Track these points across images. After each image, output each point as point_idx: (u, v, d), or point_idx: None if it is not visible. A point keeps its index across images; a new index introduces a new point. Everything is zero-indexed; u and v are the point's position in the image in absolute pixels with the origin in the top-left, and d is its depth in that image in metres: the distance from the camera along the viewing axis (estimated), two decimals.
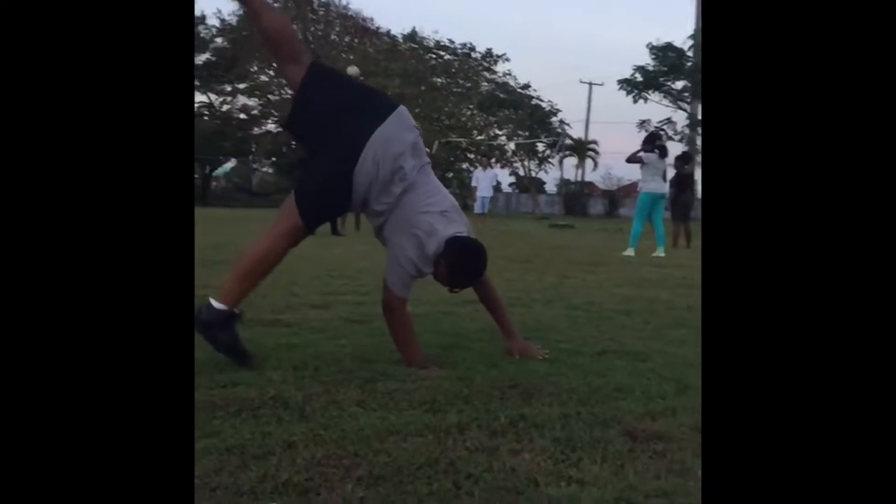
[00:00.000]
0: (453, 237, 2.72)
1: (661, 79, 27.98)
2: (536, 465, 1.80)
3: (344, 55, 32.67)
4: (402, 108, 2.80)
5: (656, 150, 10.12)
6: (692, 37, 27.52)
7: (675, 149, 20.45)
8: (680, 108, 28.35)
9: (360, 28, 35.23)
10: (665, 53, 27.48)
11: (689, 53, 27.22)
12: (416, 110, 35.05)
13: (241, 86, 38.63)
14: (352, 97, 2.81)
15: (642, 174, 10.20)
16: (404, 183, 2.72)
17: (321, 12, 35.76)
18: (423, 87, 35.16)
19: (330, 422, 2.05)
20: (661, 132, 19.52)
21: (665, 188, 10.61)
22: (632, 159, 10.23)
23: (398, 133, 2.72)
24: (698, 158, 27.14)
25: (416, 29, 37.54)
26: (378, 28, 36.37)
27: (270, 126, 39.13)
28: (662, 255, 9.50)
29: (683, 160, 13.48)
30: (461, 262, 2.75)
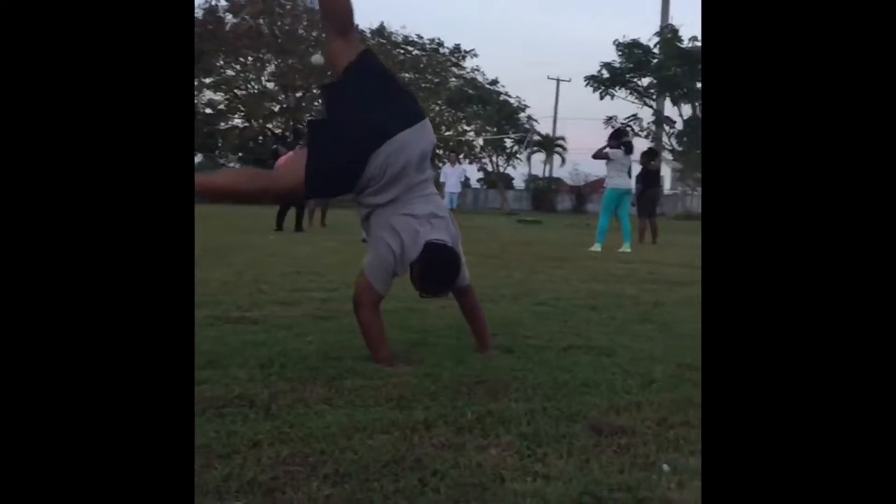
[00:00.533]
0: (431, 242, 2.73)
1: (628, 75, 28.17)
2: (502, 461, 1.81)
3: (311, 50, 32.44)
4: (427, 121, 2.85)
5: (622, 147, 10.20)
6: (658, 34, 27.77)
7: (641, 145, 20.67)
8: (646, 104, 28.60)
9: None
10: (631, 50, 27.68)
11: (655, 50, 27.44)
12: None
13: (207, 80, 38.19)
14: (391, 93, 2.86)
15: (608, 170, 10.29)
16: (401, 188, 2.74)
17: (288, 6, 35.50)
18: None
19: (296, 420, 2.04)
20: (628, 129, 19.68)
21: (631, 184, 10.72)
22: (598, 156, 10.31)
23: (415, 143, 2.76)
24: (664, 154, 27.44)
25: (384, 24, 37.37)
26: None
27: (237, 121, 38.77)
28: (629, 250, 9.59)
29: (649, 156, 13.62)
30: (431, 269, 2.75)
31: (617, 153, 10.09)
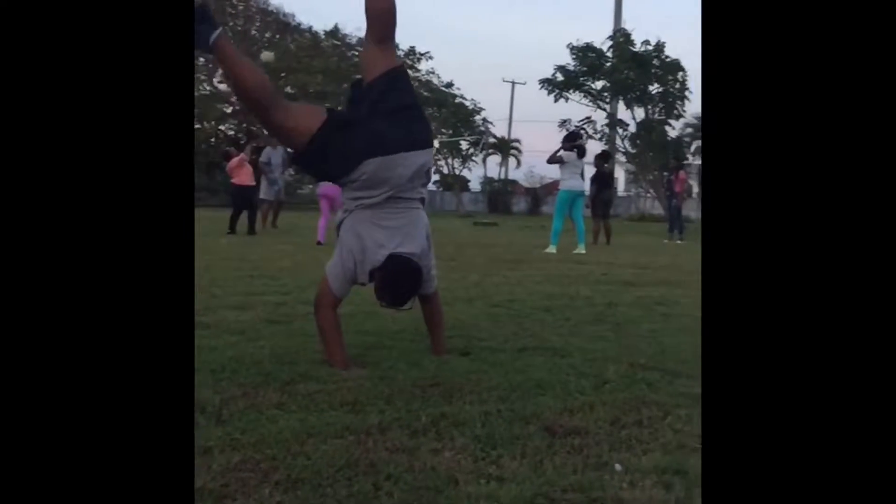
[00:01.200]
0: (395, 255, 2.74)
1: (582, 79, 28.42)
2: (457, 464, 1.80)
3: (267, 52, 32.16)
4: (431, 151, 2.92)
5: (575, 150, 10.29)
6: (611, 38, 28.06)
7: (595, 148, 20.89)
8: (600, 107, 28.86)
9: (281, 24, 34.66)
10: (585, 54, 27.92)
11: (609, 54, 27.75)
12: (339, 107, 34.73)
13: None
14: (406, 114, 2.87)
15: (562, 172, 10.36)
16: (381, 198, 2.78)
17: (241, 7, 35.07)
18: (345, 85, 34.73)
19: (248, 426, 2.02)
20: (581, 131, 19.84)
21: (584, 186, 10.81)
22: (552, 160, 10.39)
23: (412, 166, 2.79)
24: (617, 157, 27.76)
25: (339, 25, 37.10)
26: (299, 24, 35.88)
27: None
28: (583, 251, 9.68)
29: (603, 158, 13.77)
30: (390, 282, 2.76)
31: (570, 156, 10.18)
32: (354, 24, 34.82)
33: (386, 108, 2.80)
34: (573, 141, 10.57)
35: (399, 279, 2.77)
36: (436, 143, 38.87)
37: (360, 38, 37.06)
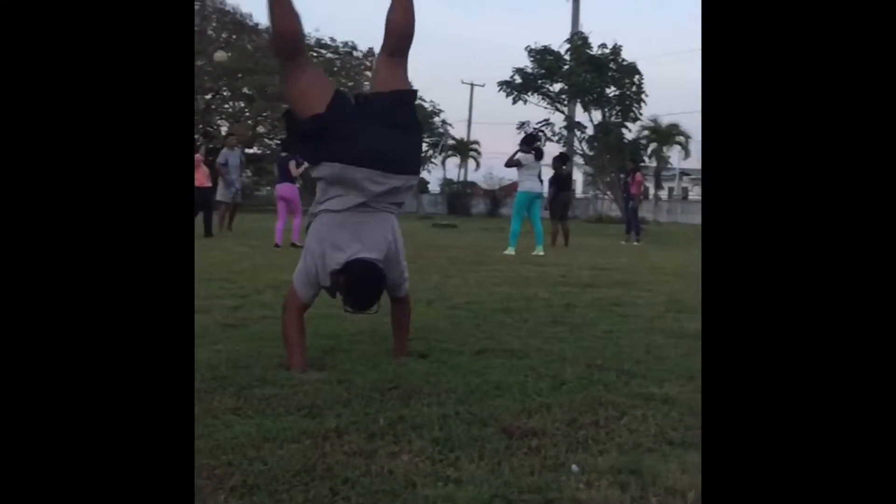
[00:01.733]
0: (355, 260, 2.72)
1: (540, 81, 28.61)
2: (414, 467, 1.80)
3: (221, 51, 31.79)
4: (413, 178, 2.92)
5: (532, 152, 10.35)
6: (569, 41, 28.31)
7: (553, 150, 21.01)
8: (558, 109, 29.07)
9: (238, 24, 34.28)
10: (543, 57, 28.12)
11: (566, 57, 27.97)
12: None
13: None
14: (407, 137, 2.91)
15: (520, 175, 10.41)
16: (344, 207, 2.78)
17: (197, 6, 34.62)
18: None
19: (203, 431, 1.99)
20: (539, 133, 19.95)
21: (542, 188, 10.88)
22: (510, 163, 10.43)
23: (387, 186, 2.79)
24: (575, 159, 27.98)
25: None
26: (257, 24, 35.54)
27: None
28: (542, 253, 9.74)
29: (561, 161, 13.89)
30: (350, 286, 2.76)
31: (528, 158, 10.23)
32: (312, 24, 34.61)
33: (383, 122, 2.81)
34: (530, 143, 10.64)
35: (360, 283, 2.75)
36: None
37: (318, 40, 36.88)
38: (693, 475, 1.75)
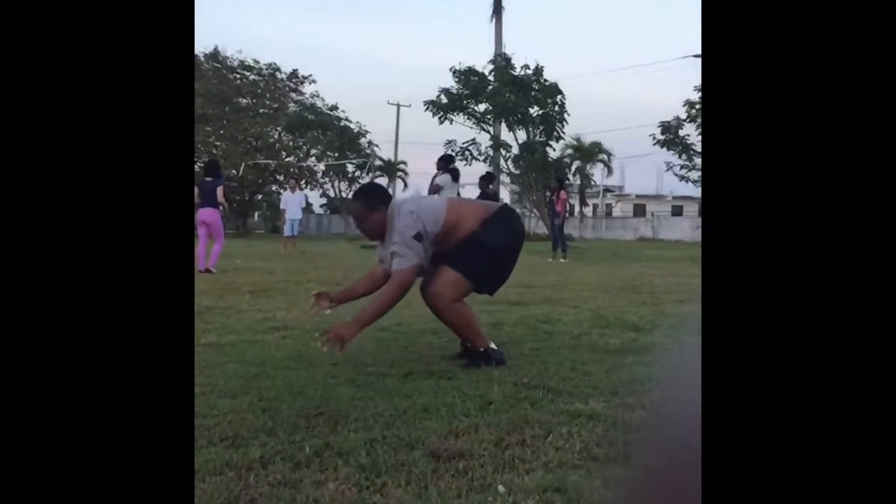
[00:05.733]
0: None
1: (465, 101, 28.88)
2: (340, 495, 1.78)
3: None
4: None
5: (449, 173, 10.43)
6: (492, 62, 28.69)
7: (480, 169, 21.21)
8: (483, 129, 29.37)
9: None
10: (468, 77, 28.42)
11: (490, 77, 28.33)
12: (221, 131, 33.89)
13: None
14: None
15: (440, 196, 10.48)
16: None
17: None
18: (227, 108, 34.14)
19: None
20: (454, 154, 20.06)
21: None
22: (431, 190, 10.47)
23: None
24: (502, 178, 28.27)
25: (219, 48, 36.35)
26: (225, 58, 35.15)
27: None
28: None
29: (487, 180, 14.00)
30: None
31: (445, 179, 10.29)
32: (235, 46, 34.12)
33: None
34: (447, 163, 10.72)
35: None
36: (322, 166, 38.67)
37: (241, 61, 36.53)
38: (616, 491, 1.77)
